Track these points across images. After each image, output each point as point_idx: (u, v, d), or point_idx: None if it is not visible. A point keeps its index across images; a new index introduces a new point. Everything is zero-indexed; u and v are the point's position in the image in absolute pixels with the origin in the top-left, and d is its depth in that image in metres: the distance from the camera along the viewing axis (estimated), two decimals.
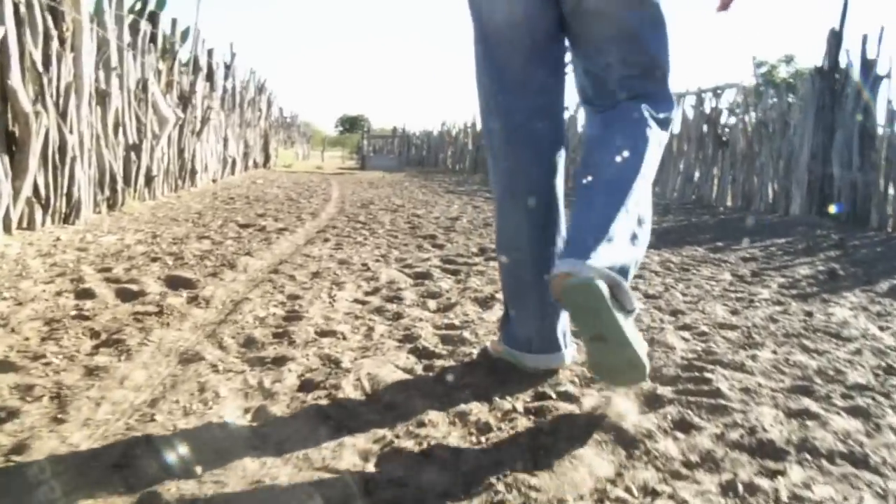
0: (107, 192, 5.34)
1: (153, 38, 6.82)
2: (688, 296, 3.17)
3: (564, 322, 1.90)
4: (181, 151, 7.84)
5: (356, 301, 2.74)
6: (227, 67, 11.33)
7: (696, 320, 2.61)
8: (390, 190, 10.31)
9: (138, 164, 6.06)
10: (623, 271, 1.49)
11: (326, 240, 4.46)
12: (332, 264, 3.52)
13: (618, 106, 1.71)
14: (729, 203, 10.37)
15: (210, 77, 9.57)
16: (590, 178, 1.60)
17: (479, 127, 21.75)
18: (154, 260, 3.43)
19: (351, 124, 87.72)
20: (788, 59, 46.72)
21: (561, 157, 1.81)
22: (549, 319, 1.85)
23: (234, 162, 11.56)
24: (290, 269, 3.36)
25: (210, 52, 9.61)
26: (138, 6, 7.03)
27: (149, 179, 6.53)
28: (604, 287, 1.38)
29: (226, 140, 10.68)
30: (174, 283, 2.92)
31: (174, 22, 7.72)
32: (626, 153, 1.60)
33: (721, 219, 8.02)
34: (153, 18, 6.94)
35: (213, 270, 3.23)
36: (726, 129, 10.84)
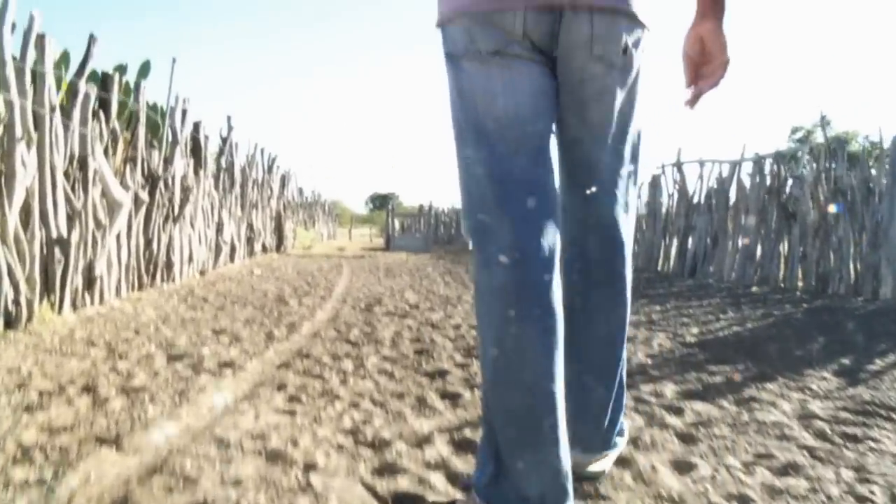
0: (0, 309, 3.88)
1: (103, 105, 5.46)
2: None
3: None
4: (148, 241, 6.42)
5: None
6: (224, 141, 10.01)
7: None
8: (408, 279, 8.79)
9: (65, 263, 4.61)
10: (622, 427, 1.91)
11: (282, 387, 2.91)
12: (248, 468, 1.97)
13: (595, 247, 1.78)
14: (800, 284, 8.79)
15: (196, 152, 8.21)
16: (581, 362, 1.72)
17: None
18: None
19: (381, 202, 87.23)
20: (825, 124, 45.42)
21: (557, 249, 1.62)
22: (566, 460, 1.53)
23: (232, 248, 10.16)
24: (159, 486, 1.82)
25: (197, 125, 8.27)
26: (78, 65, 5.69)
27: (90, 281, 5.08)
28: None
29: (220, 224, 9.28)
30: None
31: (135, 87, 6.37)
32: (611, 331, 1.79)
33: (807, 308, 6.39)
34: (105, 81, 5.59)
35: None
36: (793, 199, 9.30)
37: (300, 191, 22.17)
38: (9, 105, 4.05)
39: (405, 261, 13.98)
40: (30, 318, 4.14)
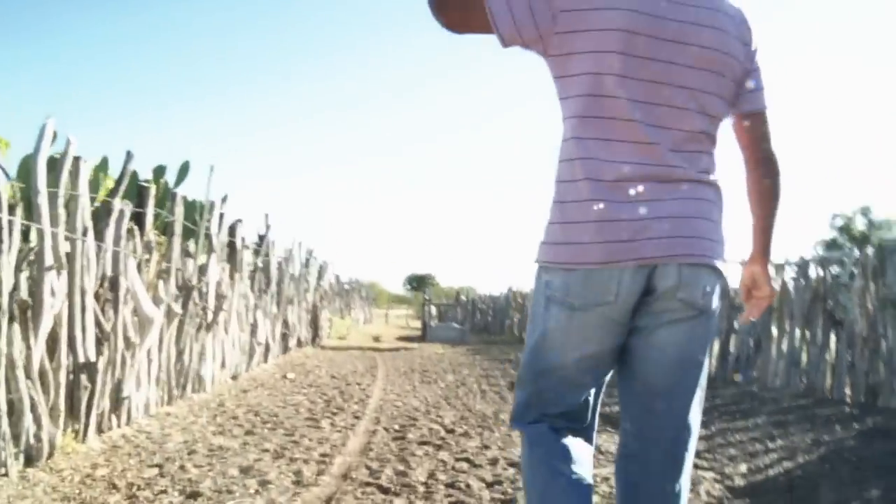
0: (21, 445, 3.74)
1: (137, 218, 5.41)
2: None
3: None
4: (180, 353, 6.30)
5: None
6: (261, 241, 9.98)
7: None
8: (444, 388, 8.55)
9: (91, 389, 4.48)
10: None
11: None
12: None
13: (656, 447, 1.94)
14: (848, 394, 8.42)
15: (232, 256, 8.16)
16: None
17: None
18: None
19: (418, 282, 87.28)
20: (865, 211, 45.19)
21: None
22: None
23: (266, 348, 10.03)
24: None
25: (233, 228, 8.24)
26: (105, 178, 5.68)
27: (117, 402, 4.94)
28: None
29: (254, 326, 9.17)
30: None
31: (171, 197, 6.34)
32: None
33: (859, 430, 6.02)
34: (140, 195, 5.56)
35: None
36: (840, 306, 8.97)
37: (337, 278, 22.20)
38: (40, 234, 3.98)
39: (441, 357, 13.75)
40: (51, 454, 3.99)
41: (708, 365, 2.01)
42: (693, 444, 1.99)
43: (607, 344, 1.90)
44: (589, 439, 2.06)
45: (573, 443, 1.98)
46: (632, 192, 1.79)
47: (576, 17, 1.81)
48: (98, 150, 5.56)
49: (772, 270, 2.07)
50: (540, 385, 1.99)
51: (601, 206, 1.79)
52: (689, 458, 1.98)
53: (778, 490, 4.22)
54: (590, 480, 1.94)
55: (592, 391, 2.03)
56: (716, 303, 1.91)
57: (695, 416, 1.99)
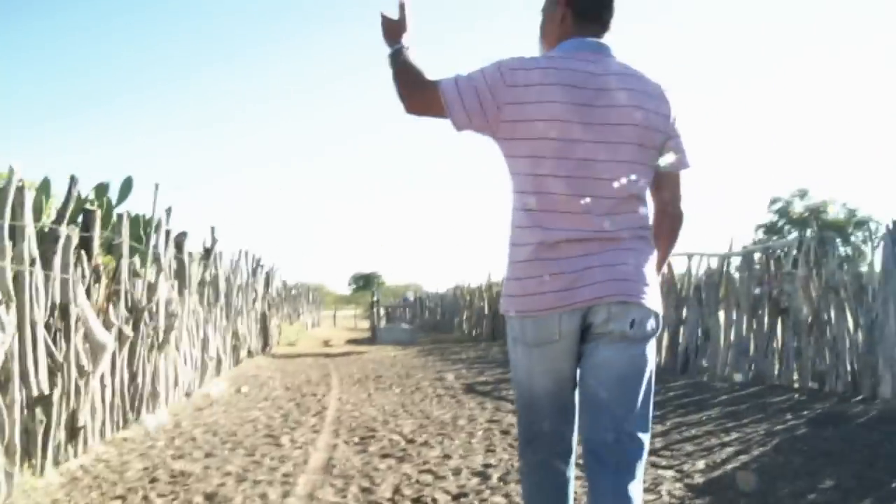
0: None
1: (84, 243, 5.32)
2: None
3: None
4: (133, 375, 6.22)
5: None
6: (207, 253, 9.87)
7: None
8: (399, 394, 8.58)
9: (47, 422, 4.41)
10: None
11: None
12: None
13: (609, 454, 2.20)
14: (796, 380, 8.68)
15: (181, 273, 8.07)
16: None
17: (494, 290, 20.35)
18: None
19: (365, 281, 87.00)
20: (803, 194, 46.25)
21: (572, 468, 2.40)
22: None
23: (218, 361, 9.94)
24: None
25: (180, 243, 8.14)
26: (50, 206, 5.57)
27: (73, 432, 4.87)
28: None
29: (205, 340, 9.08)
30: None
31: (117, 218, 6.25)
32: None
33: (809, 417, 6.14)
34: (87, 220, 5.47)
35: None
36: (785, 294, 9.22)
37: (284, 284, 22.03)
38: None
39: (393, 360, 13.77)
40: (10, 493, 3.92)
41: (649, 381, 2.25)
42: (644, 453, 2.22)
43: (564, 370, 2.27)
44: (568, 459, 2.40)
45: (561, 476, 2.38)
46: (569, 252, 2.16)
47: (517, 109, 2.16)
48: (31, 168, 5.40)
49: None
50: (527, 410, 2.39)
51: (543, 264, 2.17)
52: (641, 465, 2.21)
53: (737, 486, 4.34)
54: (570, 491, 2.41)
55: (569, 422, 2.36)
56: (647, 329, 2.22)
57: (640, 424, 2.22)
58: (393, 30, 2.38)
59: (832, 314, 8.52)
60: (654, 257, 2.29)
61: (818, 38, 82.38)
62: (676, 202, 2.37)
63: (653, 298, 2.23)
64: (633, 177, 2.21)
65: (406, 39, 2.36)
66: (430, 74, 2.28)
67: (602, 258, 2.17)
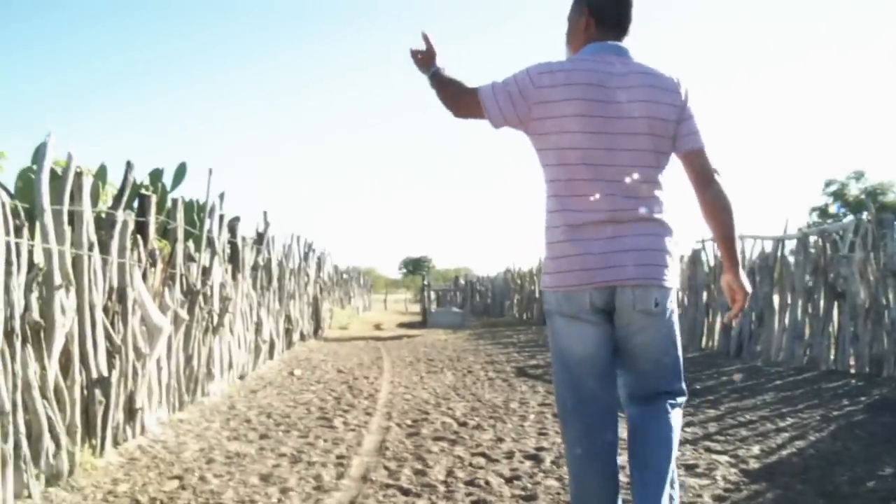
0: (41, 465, 3.75)
1: (140, 227, 5.40)
2: None
3: None
4: (189, 358, 6.31)
5: None
6: (259, 238, 9.96)
7: None
8: (451, 377, 8.59)
9: (106, 403, 4.49)
10: None
11: None
12: None
13: (652, 403, 2.57)
14: (852, 365, 8.47)
15: (234, 257, 8.16)
16: (641, 471, 2.48)
17: None
18: None
19: (415, 266, 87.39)
20: (858, 176, 45.18)
21: (615, 431, 2.58)
22: None
23: (271, 345, 10.04)
24: None
25: (234, 227, 8.22)
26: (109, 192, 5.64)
27: (131, 413, 4.95)
28: None
29: (258, 324, 9.18)
30: None
31: (172, 204, 6.32)
32: (662, 448, 2.49)
33: (866, 403, 6.01)
34: (142, 204, 5.54)
35: None
36: (841, 278, 8.99)
37: (335, 268, 22.19)
38: (47, 253, 3.97)
39: (444, 343, 13.78)
40: (71, 472, 4.00)
41: (678, 345, 2.63)
42: (678, 401, 2.61)
43: (598, 339, 2.54)
44: (614, 447, 2.59)
45: (604, 445, 2.56)
46: (594, 233, 2.48)
47: (545, 108, 2.51)
48: (88, 154, 5.48)
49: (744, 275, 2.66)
50: (568, 376, 2.59)
51: (572, 245, 2.50)
52: (678, 410, 2.62)
53: (793, 471, 4.25)
54: (617, 471, 2.58)
55: (611, 391, 2.61)
56: (668, 305, 2.54)
57: (675, 379, 2.62)
58: (424, 59, 2.76)
59: (890, 298, 8.29)
60: (670, 237, 2.56)
61: (876, 16, 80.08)
62: (708, 170, 2.60)
63: (671, 277, 2.53)
64: (650, 164, 2.53)
65: (438, 61, 2.74)
66: (468, 82, 2.69)
67: (624, 241, 2.48)
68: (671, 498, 2.50)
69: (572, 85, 2.48)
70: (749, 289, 2.63)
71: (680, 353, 2.62)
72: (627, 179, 2.50)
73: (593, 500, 2.54)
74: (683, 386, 2.63)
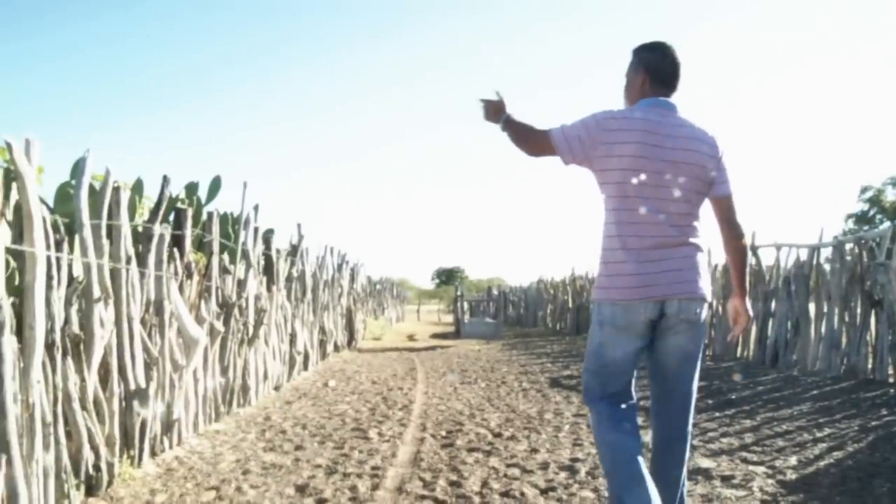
0: (81, 475, 3.80)
1: (177, 241, 5.46)
2: None
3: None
4: (224, 369, 6.36)
5: None
6: (294, 249, 10.03)
7: None
8: (485, 388, 8.58)
9: (143, 415, 4.54)
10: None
11: None
12: None
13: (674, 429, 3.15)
14: (891, 374, 8.31)
15: (269, 269, 8.22)
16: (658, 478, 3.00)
17: (577, 284, 20.16)
18: None
19: (448, 276, 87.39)
20: (895, 182, 44.46)
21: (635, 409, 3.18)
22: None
23: (305, 356, 10.10)
24: None
25: (268, 240, 8.29)
26: (145, 204, 5.71)
27: (168, 424, 5.01)
28: None
29: (293, 335, 9.24)
30: None
31: (207, 217, 6.39)
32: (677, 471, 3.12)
33: None
34: (178, 217, 5.61)
35: None
36: (878, 286, 8.83)
37: (369, 279, 22.26)
38: (86, 267, 4.04)
39: (478, 354, 13.76)
40: (110, 482, 4.05)
41: (702, 355, 3.19)
42: (693, 402, 3.15)
43: (637, 346, 3.05)
44: (635, 409, 3.15)
45: (625, 411, 3.10)
46: (649, 256, 2.96)
47: (608, 148, 2.97)
48: (124, 168, 5.53)
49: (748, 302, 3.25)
50: (602, 373, 3.12)
51: (631, 265, 2.96)
52: (692, 411, 3.16)
53: (831, 483, 4.18)
54: (638, 432, 3.08)
55: (632, 379, 3.15)
56: (703, 316, 3.07)
57: (693, 386, 3.14)
58: (495, 109, 3.16)
59: None
60: (703, 255, 3.08)
61: None
62: (734, 219, 3.17)
63: (706, 290, 3.05)
64: (692, 201, 3.05)
65: (508, 109, 3.15)
66: (538, 124, 3.13)
67: (672, 263, 2.98)
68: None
69: (632, 131, 2.95)
70: (752, 314, 3.24)
71: (700, 361, 3.19)
72: (675, 210, 2.99)
73: (619, 454, 2.99)
74: (695, 387, 3.17)
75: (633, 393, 3.18)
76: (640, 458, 2.95)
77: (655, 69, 3.11)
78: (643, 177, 2.96)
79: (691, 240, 3.05)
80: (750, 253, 11.40)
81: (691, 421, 3.17)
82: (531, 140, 3.12)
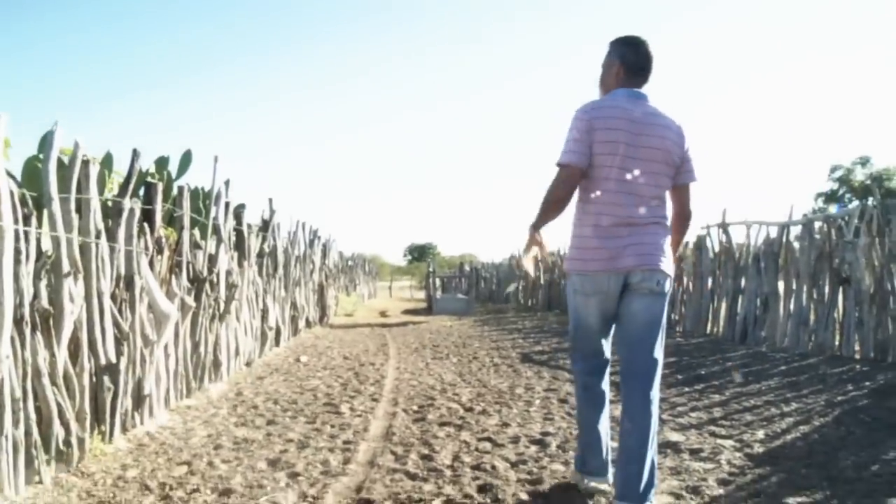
0: (52, 451, 3.79)
1: (147, 216, 5.42)
2: None
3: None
4: (196, 345, 6.35)
5: None
6: (265, 225, 9.97)
7: None
8: (456, 362, 8.63)
9: (114, 389, 4.52)
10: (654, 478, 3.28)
11: None
12: None
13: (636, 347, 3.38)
14: (857, 350, 8.47)
15: (240, 244, 8.18)
16: (626, 434, 3.30)
17: (549, 260, 20.24)
18: None
19: (420, 253, 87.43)
20: (864, 161, 44.99)
21: (606, 358, 3.64)
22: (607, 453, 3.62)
23: (277, 331, 10.09)
24: None
25: (239, 214, 8.24)
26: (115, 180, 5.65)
27: (139, 400, 4.99)
28: None
29: (264, 311, 9.21)
30: None
31: (178, 192, 6.33)
32: (645, 423, 3.26)
33: (871, 388, 6.03)
34: (148, 192, 5.56)
35: None
36: (846, 264, 8.97)
37: (341, 255, 22.20)
38: (55, 241, 4.00)
39: (450, 329, 13.82)
40: (81, 458, 4.04)
41: (665, 322, 3.40)
42: (658, 368, 3.33)
43: (607, 311, 3.40)
44: (606, 364, 3.63)
45: (596, 369, 3.61)
46: (616, 232, 3.27)
47: (598, 134, 3.25)
48: (93, 141, 5.45)
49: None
50: (577, 335, 3.58)
51: (597, 240, 3.29)
52: (657, 376, 3.32)
53: (797, 456, 4.27)
54: (606, 391, 3.64)
55: (607, 341, 3.58)
56: (666, 286, 3.33)
57: (658, 351, 3.33)
58: (537, 245, 3.35)
59: (895, 283, 8.30)
60: (669, 237, 3.40)
61: (883, 4, 79.55)
62: (688, 205, 3.51)
63: (668, 265, 3.33)
64: (660, 184, 3.35)
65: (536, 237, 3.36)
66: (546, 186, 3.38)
67: (637, 238, 3.27)
68: (653, 462, 3.30)
69: (614, 118, 3.24)
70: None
71: (664, 330, 3.40)
72: (644, 193, 3.29)
73: (584, 421, 3.62)
74: (661, 356, 3.37)
75: (607, 353, 3.59)
76: (601, 427, 3.58)
77: (630, 62, 3.38)
78: (617, 160, 3.23)
79: (658, 220, 3.34)
80: (720, 230, 11.54)
81: (657, 389, 3.32)
82: (553, 195, 3.31)
